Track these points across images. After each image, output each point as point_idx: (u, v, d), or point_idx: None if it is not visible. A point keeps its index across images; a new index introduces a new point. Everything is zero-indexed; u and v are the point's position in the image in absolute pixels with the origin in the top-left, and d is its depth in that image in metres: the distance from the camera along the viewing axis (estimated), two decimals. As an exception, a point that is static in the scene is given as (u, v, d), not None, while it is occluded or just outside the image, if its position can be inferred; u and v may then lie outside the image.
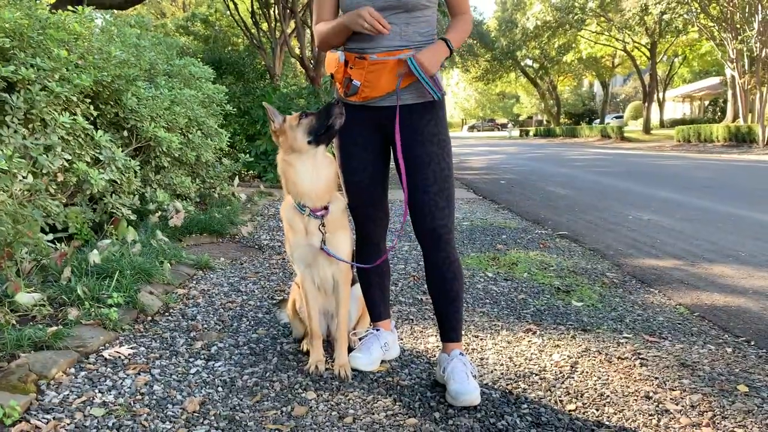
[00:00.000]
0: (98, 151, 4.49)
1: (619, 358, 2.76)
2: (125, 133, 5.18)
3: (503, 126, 73.03)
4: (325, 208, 2.42)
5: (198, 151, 6.06)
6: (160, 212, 5.50)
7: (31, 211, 3.11)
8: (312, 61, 12.67)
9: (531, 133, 54.12)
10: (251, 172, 9.97)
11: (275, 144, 2.48)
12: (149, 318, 3.19)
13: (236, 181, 7.44)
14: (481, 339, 3.00)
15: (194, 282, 3.99)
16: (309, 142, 2.36)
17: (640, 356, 2.77)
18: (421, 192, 2.31)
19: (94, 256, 3.66)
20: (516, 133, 58.55)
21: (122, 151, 5.08)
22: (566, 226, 6.38)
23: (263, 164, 10.07)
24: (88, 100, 4.47)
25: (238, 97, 10.02)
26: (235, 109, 7.67)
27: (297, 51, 12.75)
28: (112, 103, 4.98)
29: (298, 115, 2.41)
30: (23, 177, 3.93)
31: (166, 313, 3.31)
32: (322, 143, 2.39)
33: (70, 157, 4.16)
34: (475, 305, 3.55)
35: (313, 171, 2.38)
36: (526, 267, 4.48)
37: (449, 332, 2.41)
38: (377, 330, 2.67)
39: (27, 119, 3.94)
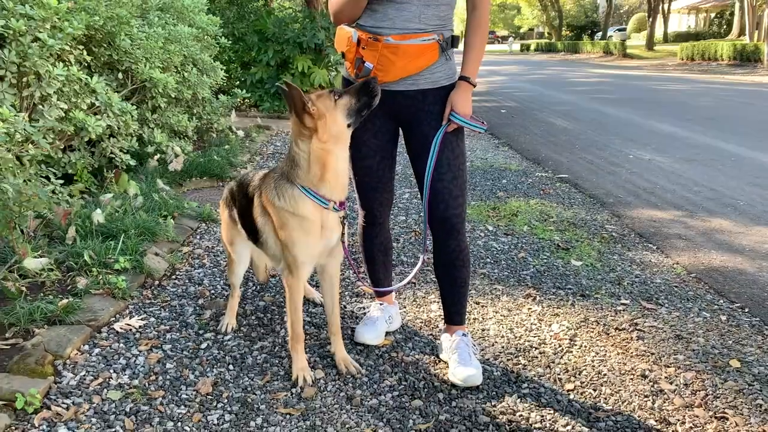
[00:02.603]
0: (94, 97, 4.41)
1: (616, 329, 2.84)
2: (120, 75, 5.07)
3: (504, 39, 71.06)
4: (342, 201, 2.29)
5: (194, 89, 5.94)
6: (159, 155, 5.47)
7: (35, 186, 3.06)
8: (308, -20, 12.16)
9: (532, 48, 52.84)
10: (247, 101, 9.80)
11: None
12: (156, 282, 3.25)
13: (233, 115, 7.34)
14: (482, 306, 3.07)
15: (198, 237, 4.03)
16: (349, 125, 2.18)
17: (637, 327, 2.86)
18: (435, 179, 2.30)
19: (98, 216, 3.67)
20: (517, 47, 57.11)
21: (118, 94, 5.00)
22: (566, 168, 6.38)
23: (259, 93, 9.89)
24: (81, 47, 4.34)
25: (231, 23, 9.69)
26: (229, 41, 7.43)
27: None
28: (105, 45, 4.84)
29: (329, 94, 2.15)
30: (24, 129, 3.91)
31: (173, 276, 3.36)
32: (356, 125, 2.23)
33: (66, 106, 4.09)
34: (476, 265, 3.61)
35: (347, 158, 2.27)
36: (527, 218, 4.52)
37: (454, 316, 2.48)
38: (381, 305, 2.73)
39: (20, 73, 3.84)
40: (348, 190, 2.32)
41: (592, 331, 2.82)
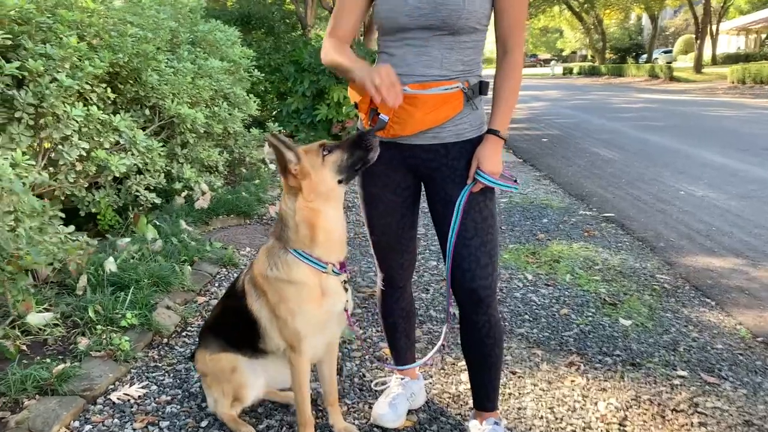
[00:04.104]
0: (118, 134, 4.27)
1: (674, 410, 2.47)
2: (147, 111, 4.95)
3: (546, 62, 70.43)
4: (342, 262, 2.06)
5: (225, 123, 5.80)
6: (186, 191, 5.32)
7: (33, 247, 2.87)
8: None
9: (575, 71, 52.09)
10: (283, 131, 9.68)
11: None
12: (165, 341, 3.02)
13: (266, 147, 7.18)
14: (519, 377, 2.74)
15: (216, 284, 3.81)
16: (340, 182, 1.94)
17: (698, 409, 2.48)
18: (459, 245, 2.01)
19: (110, 264, 3.49)
20: (559, 70, 56.39)
21: (145, 130, 4.87)
22: (612, 205, 5.99)
23: (295, 123, 9.77)
24: (104, 85, 4.22)
25: (267, 54, 9.64)
26: (262, 75, 7.31)
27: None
28: (131, 81, 4.73)
29: (318, 149, 1.96)
30: (38, 174, 3.78)
31: (184, 333, 3.14)
32: (350, 182, 2.01)
33: (87, 146, 3.96)
34: (513, 323, 3.28)
35: (341, 216, 2.01)
36: (570, 266, 4.17)
37: (484, 401, 2.16)
38: (402, 379, 2.43)
39: (38, 113, 3.72)
40: (347, 250, 2.05)
41: (645, 413, 2.46)
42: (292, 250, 1.95)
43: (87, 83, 3.96)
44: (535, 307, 3.51)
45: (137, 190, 4.56)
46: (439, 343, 2.24)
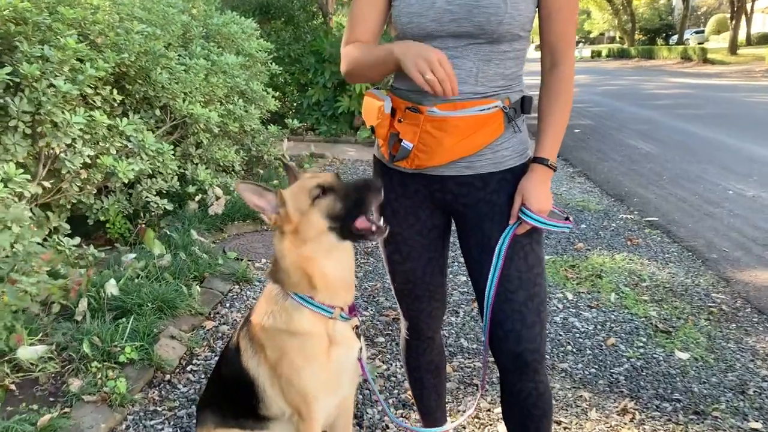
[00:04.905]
0: (125, 139, 4.00)
1: (751, 478, 2.11)
2: (158, 112, 4.67)
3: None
4: (352, 304, 1.71)
5: (240, 121, 5.50)
6: (200, 195, 5.04)
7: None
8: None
9: (603, 54, 50.80)
10: (303, 123, 9.35)
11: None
12: (167, 378, 2.73)
13: (285, 143, 6.87)
14: (565, 428, 2.39)
15: (227, 306, 3.51)
16: (331, 229, 1.58)
17: (780, 476, 2.12)
18: (500, 299, 1.66)
19: (112, 287, 3.20)
20: (587, 52, 55.09)
21: (157, 131, 4.59)
22: (655, 207, 5.56)
23: (316, 116, 9.46)
24: (108, 87, 3.93)
25: (287, 44, 9.29)
26: (280, 68, 6.98)
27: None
28: (140, 81, 4.43)
29: (311, 189, 1.57)
30: (38, 186, 3.53)
31: (188, 366, 2.84)
32: (346, 239, 1.61)
33: (92, 152, 3.70)
34: (555, 356, 2.93)
35: (344, 258, 1.66)
36: (613, 282, 3.79)
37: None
38: (433, 438, 2.11)
39: (35, 121, 3.45)
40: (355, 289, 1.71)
41: (718, 482, 2.10)
42: (292, 294, 1.63)
43: (89, 86, 3.68)
44: (578, 335, 3.15)
45: (147, 197, 4.31)
46: (472, 409, 1.90)
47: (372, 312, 3.42)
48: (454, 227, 1.84)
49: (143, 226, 4.02)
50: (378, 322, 3.28)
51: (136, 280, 3.44)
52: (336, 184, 1.61)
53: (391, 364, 2.86)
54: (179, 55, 4.86)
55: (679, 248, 4.46)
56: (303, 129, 9.52)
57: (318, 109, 9.44)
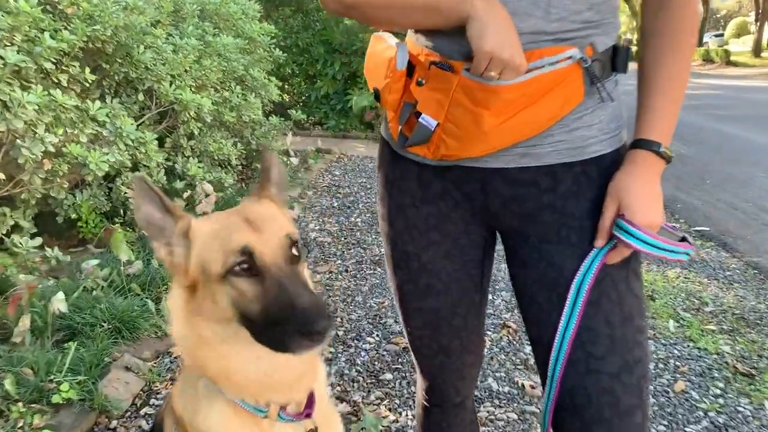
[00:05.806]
0: (99, 125, 3.44)
1: None
2: (141, 96, 4.08)
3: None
4: (310, 397, 1.07)
5: (238, 110, 4.92)
6: (189, 191, 4.46)
7: None
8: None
9: (621, 56, 49.85)
10: (311, 117, 8.76)
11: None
12: (112, 426, 2.12)
13: (289, 137, 6.26)
14: None
15: (205, 326, 2.90)
16: (241, 323, 0.94)
17: None
18: (579, 368, 1.04)
19: (59, 303, 2.60)
20: (605, 55, 54.07)
21: (141, 119, 4.02)
22: (704, 215, 4.89)
23: (324, 109, 8.86)
24: (77, 64, 3.36)
25: (295, 33, 8.70)
26: (284, 55, 6.39)
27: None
28: (119, 60, 3.85)
29: (234, 251, 0.92)
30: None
31: (144, 409, 2.24)
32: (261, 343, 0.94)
33: (57, 139, 3.13)
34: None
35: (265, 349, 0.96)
36: (670, 305, 3.14)
37: None
38: None
39: (-23, 97, 2.88)
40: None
41: None
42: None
43: (50, 60, 3.10)
44: (636, 376, 2.51)
45: (126, 193, 3.76)
46: None
47: (377, 338, 2.80)
48: (499, 245, 1.22)
49: (111, 226, 3.43)
50: (385, 353, 2.66)
51: (95, 292, 2.85)
52: (274, 267, 0.93)
53: (401, 413, 2.24)
54: (169, 34, 4.29)
55: (741, 265, 3.79)
56: (310, 123, 8.93)
57: (327, 103, 8.86)
